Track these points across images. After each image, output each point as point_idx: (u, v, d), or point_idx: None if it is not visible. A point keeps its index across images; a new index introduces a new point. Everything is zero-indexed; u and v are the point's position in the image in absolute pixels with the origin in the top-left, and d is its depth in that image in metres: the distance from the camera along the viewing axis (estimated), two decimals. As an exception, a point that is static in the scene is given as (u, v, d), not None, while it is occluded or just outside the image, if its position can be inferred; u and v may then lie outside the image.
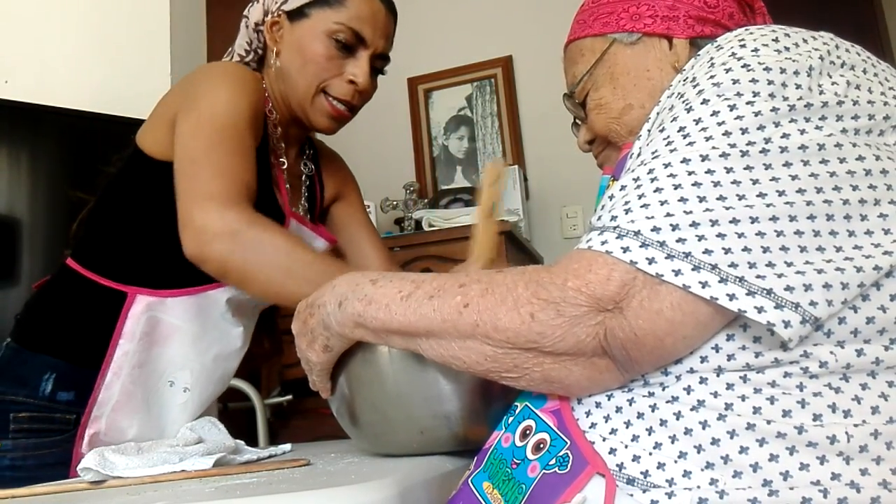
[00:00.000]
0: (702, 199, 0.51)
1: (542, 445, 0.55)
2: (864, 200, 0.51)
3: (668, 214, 0.51)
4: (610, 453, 0.51)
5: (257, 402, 1.95)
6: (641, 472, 0.49)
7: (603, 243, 0.52)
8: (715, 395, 0.50)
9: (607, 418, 0.53)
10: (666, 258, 0.49)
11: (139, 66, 1.97)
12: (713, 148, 0.53)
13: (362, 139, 2.59)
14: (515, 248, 2.23)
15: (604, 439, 0.52)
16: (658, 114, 0.62)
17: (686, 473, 0.48)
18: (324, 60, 1.01)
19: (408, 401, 0.69)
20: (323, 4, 1.01)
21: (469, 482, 0.59)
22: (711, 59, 0.59)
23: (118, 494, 0.66)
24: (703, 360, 0.51)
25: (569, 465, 0.51)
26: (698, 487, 0.47)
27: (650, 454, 0.50)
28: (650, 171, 0.54)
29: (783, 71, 0.55)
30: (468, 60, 2.86)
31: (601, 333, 0.51)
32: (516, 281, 0.54)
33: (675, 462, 0.48)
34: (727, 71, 0.56)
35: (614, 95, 0.80)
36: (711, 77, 0.57)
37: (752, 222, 0.49)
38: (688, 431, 0.49)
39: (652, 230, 0.50)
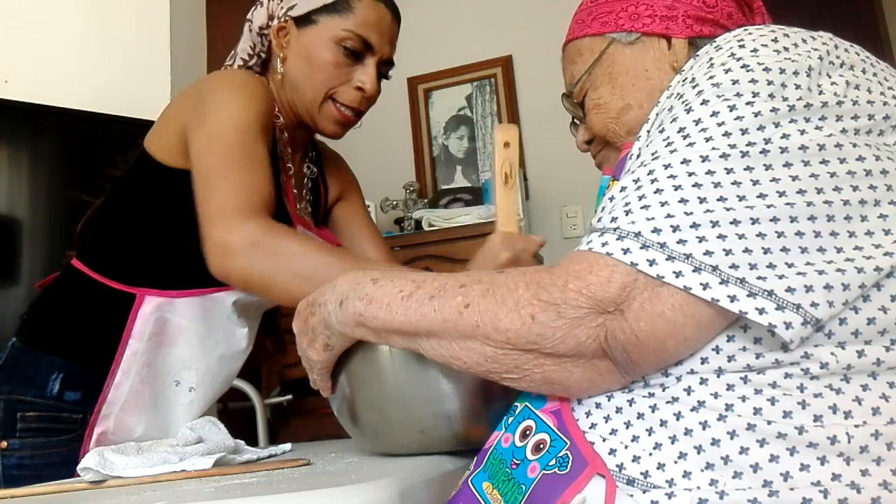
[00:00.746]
0: (702, 200, 0.51)
1: (541, 446, 0.55)
2: (865, 201, 0.51)
3: (669, 216, 0.51)
4: (610, 454, 0.51)
5: (257, 401, 1.95)
6: (641, 473, 0.49)
7: (604, 245, 0.52)
8: (715, 395, 0.50)
9: (607, 419, 0.53)
10: (667, 260, 0.49)
11: (139, 67, 1.97)
12: (713, 149, 0.53)
13: (362, 139, 2.57)
14: (515, 248, 2.22)
15: (604, 440, 0.52)
16: (657, 114, 0.62)
17: (686, 474, 0.48)
18: (332, 68, 1.01)
19: (408, 400, 0.69)
20: (331, 11, 1.02)
21: (469, 482, 0.59)
22: (710, 59, 0.59)
23: (118, 494, 0.66)
24: (704, 361, 0.51)
25: (569, 466, 0.51)
26: (698, 488, 0.47)
27: (650, 455, 0.50)
28: (650, 173, 0.54)
29: (782, 71, 0.55)
30: (468, 60, 2.86)
31: (602, 335, 0.51)
32: (517, 282, 0.54)
33: (675, 462, 0.48)
34: (726, 71, 0.56)
35: (613, 95, 0.80)
36: (711, 77, 0.57)
37: (753, 223, 0.49)
38: (688, 432, 0.49)
39: (653, 231, 0.50)
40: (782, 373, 0.49)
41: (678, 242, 0.49)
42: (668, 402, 0.51)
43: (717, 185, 0.51)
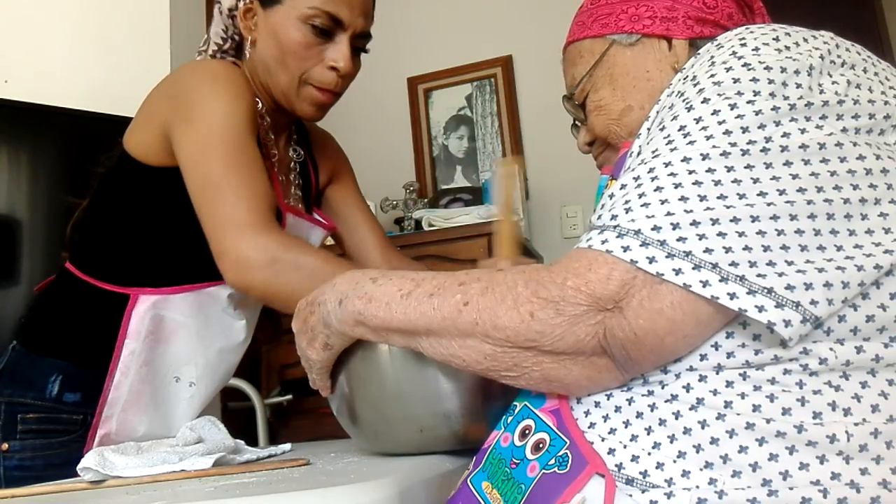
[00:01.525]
0: (702, 198, 0.51)
1: (541, 445, 0.54)
2: (865, 199, 0.51)
3: (669, 213, 0.51)
4: (609, 453, 0.51)
5: (257, 401, 1.95)
6: (640, 472, 0.49)
7: (603, 242, 0.52)
8: (714, 392, 0.50)
9: (606, 418, 0.53)
10: (666, 257, 0.49)
11: (139, 66, 1.97)
12: (714, 147, 0.53)
13: (362, 139, 2.59)
14: (515, 248, 2.22)
15: (603, 439, 0.52)
16: (658, 112, 0.62)
17: (685, 473, 0.48)
18: (302, 49, 0.97)
19: (407, 399, 0.69)
20: None
21: (468, 482, 0.59)
22: (712, 57, 0.59)
23: (118, 494, 0.66)
24: (703, 357, 0.51)
25: (568, 465, 0.51)
26: (697, 487, 0.47)
27: (649, 454, 0.49)
28: (651, 170, 0.54)
29: (784, 70, 0.55)
30: (468, 60, 2.85)
31: (601, 333, 0.51)
32: (516, 279, 0.54)
33: (674, 462, 0.48)
34: (728, 70, 0.56)
35: (614, 97, 0.80)
36: (712, 76, 0.57)
37: (753, 221, 0.49)
38: (687, 431, 0.49)
39: (652, 229, 0.50)
40: (781, 369, 0.49)
41: (678, 240, 0.49)
42: (666, 401, 0.51)
43: (717, 183, 0.51)
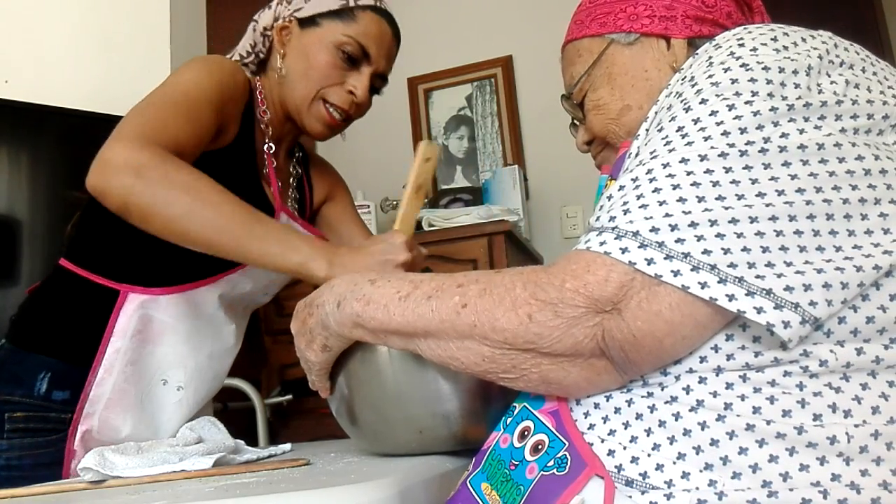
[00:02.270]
0: (700, 199, 0.51)
1: (540, 447, 0.54)
2: (864, 200, 0.51)
3: (667, 215, 0.51)
4: (608, 455, 0.51)
5: (257, 401, 1.95)
6: (640, 474, 0.49)
7: (601, 244, 0.51)
8: (714, 394, 0.49)
9: (606, 419, 0.53)
10: (664, 259, 0.49)
11: (139, 66, 1.97)
12: (712, 148, 0.52)
13: (362, 139, 2.58)
14: (515, 248, 2.23)
15: (602, 441, 0.52)
16: (656, 113, 0.61)
17: (685, 475, 0.48)
18: (327, 68, 1.03)
19: (407, 400, 0.69)
20: (335, 17, 1.04)
21: (467, 483, 0.59)
22: (710, 58, 0.59)
23: (118, 494, 0.66)
24: (703, 360, 0.51)
25: (567, 467, 0.51)
26: (697, 489, 0.47)
27: (649, 455, 0.49)
28: (648, 172, 0.54)
29: (782, 70, 0.55)
30: (468, 60, 2.85)
31: (599, 335, 0.51)
32: (514, 281, 0.54)
33: (674, 463, 0.48)
34: (726, 70, 0.56)
35: (612, 96, 0.80)
36: (710, 76, 0.57)
37: (752, 222, 0.49)
38: (687, 432, 0.49)
39: (650, 231, 0.50)
40: (781, 371, 0.49)
41: (676, 241, 0.49)
42: (666, 403, 0.51)
43: (715, 184, 0.51)
